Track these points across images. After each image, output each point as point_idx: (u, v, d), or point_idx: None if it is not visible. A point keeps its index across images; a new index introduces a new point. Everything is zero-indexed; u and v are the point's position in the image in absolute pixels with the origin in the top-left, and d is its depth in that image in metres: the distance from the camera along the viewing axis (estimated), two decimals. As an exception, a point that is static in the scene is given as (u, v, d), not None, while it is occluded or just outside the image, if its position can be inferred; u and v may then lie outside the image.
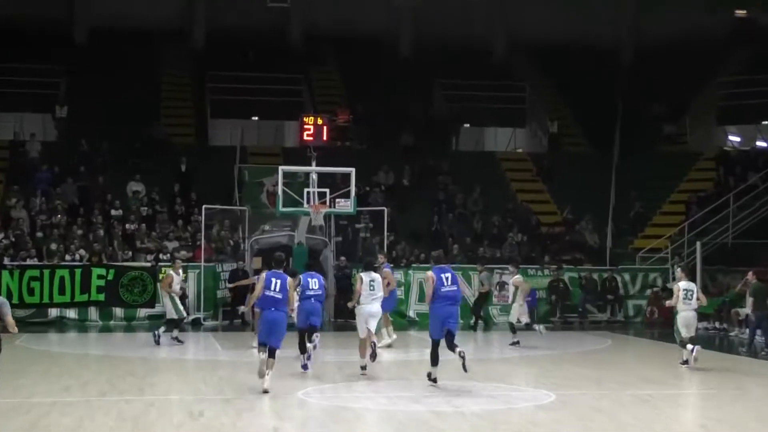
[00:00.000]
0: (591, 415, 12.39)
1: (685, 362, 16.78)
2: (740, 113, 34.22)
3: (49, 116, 33.08)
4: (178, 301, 20.93)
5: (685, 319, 17.00)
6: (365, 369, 15.47)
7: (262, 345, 13.82)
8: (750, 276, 20.21)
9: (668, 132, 35.17)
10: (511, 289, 21.65)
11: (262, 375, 13.65)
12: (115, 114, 32.09)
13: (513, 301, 21.22)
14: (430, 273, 14.60)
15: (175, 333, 20.52)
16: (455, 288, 14.41)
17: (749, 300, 20.05)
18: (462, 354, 13.93)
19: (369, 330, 15.54)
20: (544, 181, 33.65)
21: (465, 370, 14.06)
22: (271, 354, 13.67)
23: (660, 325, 26.28)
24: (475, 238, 29.83)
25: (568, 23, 38.75)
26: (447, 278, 14.38)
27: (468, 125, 36.70)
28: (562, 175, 33.32)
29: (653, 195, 32.47)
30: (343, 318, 26.48)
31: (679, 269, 18.54)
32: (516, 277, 21.42)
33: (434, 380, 14.47)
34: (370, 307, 15.56)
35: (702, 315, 25.36)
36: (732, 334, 23.40)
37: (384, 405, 12.95)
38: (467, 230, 30.39)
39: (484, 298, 25.67)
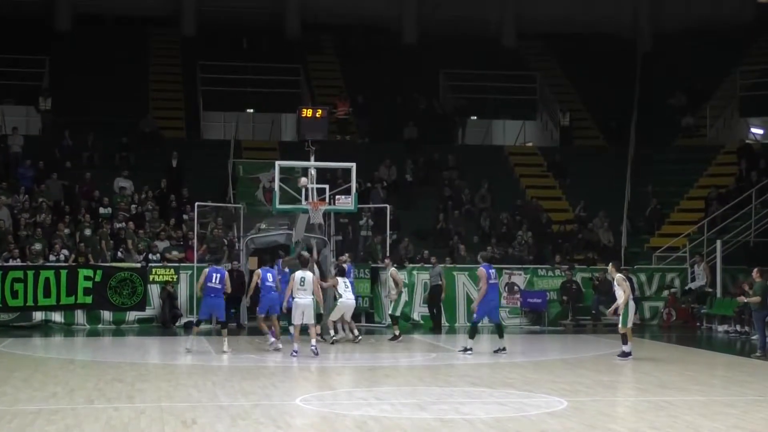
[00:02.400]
0: (605, 422, 12.44)
1: None
2: (764, 104, 34.21)
3: (32, 108, 33.13)
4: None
5: None
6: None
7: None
8: (755, 274, 20.26)
9: (687, 124, 35.19)
10: (390, 282, 23.07)
11: None
12: (101, 106, 32.19)
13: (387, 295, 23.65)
14: (482, 269, 19.36)
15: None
16: (497, 282, 20.27)
17: (754, 298, 20.12)
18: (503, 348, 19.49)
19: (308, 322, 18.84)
20: (556, 177, 33.71)
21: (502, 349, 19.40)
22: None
23: (677, 328, 26.36)
24: (482, 237, 29.87)
25: (582, 8, 38.85)
26: (492, 273, 19.59)
27: (475, 118, 36.75)
28: (574, 170, 33.37)
29: (671, 191, 32.50)
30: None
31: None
32: (391, 269, 23.22)
33: (470, 350, 19.32)
34: (301, 301, 18.78)
35: (722, 318, 25.53)
36: (754, 337, 23.43)
37: (387, 412, 13.00)
38: (474, 228, 30.44)
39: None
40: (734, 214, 29.56)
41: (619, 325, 18.97)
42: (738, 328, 24.50)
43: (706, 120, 34.97)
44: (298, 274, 19.02)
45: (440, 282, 25.76)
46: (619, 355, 18.76)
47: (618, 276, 19.07)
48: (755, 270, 20.33)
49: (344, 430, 11.76)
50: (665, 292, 27.55)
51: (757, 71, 34.92)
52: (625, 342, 18.78)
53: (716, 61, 35.56)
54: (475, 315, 19.87)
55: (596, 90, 36.58)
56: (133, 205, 28.71)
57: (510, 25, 40.22)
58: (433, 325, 25.77)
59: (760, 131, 36.54)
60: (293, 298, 18.95)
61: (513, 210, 31.28)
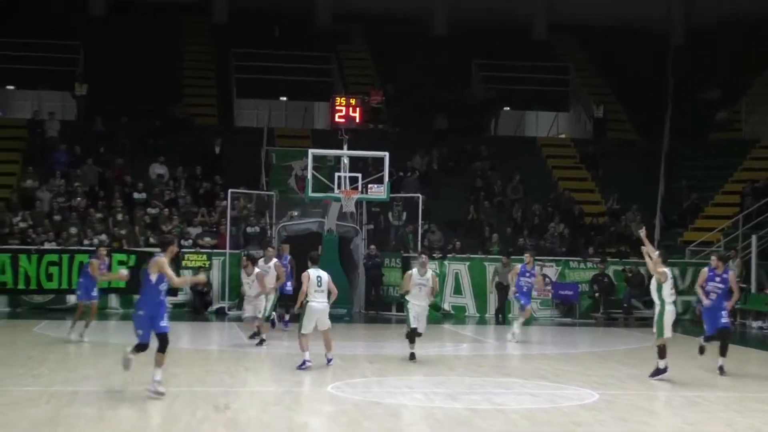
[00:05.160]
0: (638, 415, 12.37)
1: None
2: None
3: (68, 94, 33.35)
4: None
5: None
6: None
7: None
8: None
9: (722, 118, 34.91)
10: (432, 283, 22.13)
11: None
12: (135, 93, 32.33)
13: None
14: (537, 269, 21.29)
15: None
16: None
17: None
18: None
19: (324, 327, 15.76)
20: (588, 169, 33.53)
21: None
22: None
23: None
24: (514, 228, 29.77)
25: (614, 1, 38.53)
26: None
27: (508, 108, 36.61)
28: (607, 162, 33.18)
29: (705, 185, 32.26)
30: (374, 310, 26.62)
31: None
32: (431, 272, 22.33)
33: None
34: (319, 305, 15.58)
35: (756, 313, 25.32)
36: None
37: (419, 401, 13.00)
38: (506, 219, 30.34)
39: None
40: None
41: (655, 337, 15.45)
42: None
43: (741, 114, 34.66)
44: (313, 272, 15.68)
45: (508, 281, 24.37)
46: (652, 374, 15.37)
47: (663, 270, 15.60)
48: None
49: (376, 418, 11.75)
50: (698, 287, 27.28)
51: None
52: (661, 356, 15.25)
53: (751, 54, 35.21)
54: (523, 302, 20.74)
55: (630, 82, 36.34)
56: (167, 191, 28.84)
57: (541, 17, 40.06)
58: (496, 322, 25.45)
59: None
60: (308, 301, 15.64)
61: (545, 201, 31.16)
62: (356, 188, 23.13)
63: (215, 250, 26.27)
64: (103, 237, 26.14)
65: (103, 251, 19.89)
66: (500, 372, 14.49)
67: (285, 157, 29.22)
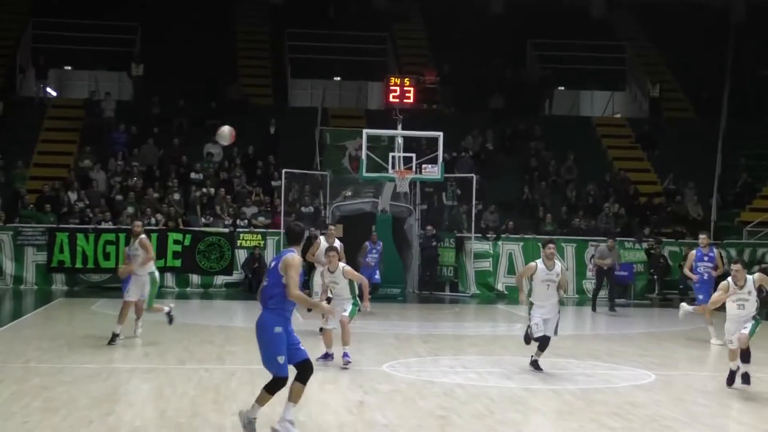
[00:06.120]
0: (694, 396, 12.29)
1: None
2: None
3: (124, 74, 33.69)
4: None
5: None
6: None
7: None
8: None
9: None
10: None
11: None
12: (191, 73, 32.56)
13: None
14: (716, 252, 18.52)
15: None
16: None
17: None
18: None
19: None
20: (644, 149, 33.20)
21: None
22: None
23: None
24: (569, 209, 29.59)
25: (672, -22, 38.02)
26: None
27: (562, 88, 36.32)
28: (663, 142, 32.82)
29: (763, 164, 31.78)
30: (428, 290, 26.66)
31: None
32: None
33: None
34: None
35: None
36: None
37: (474, 380, 13.02)
38: (560, 200, 30.17)
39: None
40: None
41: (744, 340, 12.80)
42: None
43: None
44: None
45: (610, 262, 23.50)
46: (743, 381, 12.75)
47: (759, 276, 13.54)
48: None
49: (431, 397, 11.80)
50: (755, 267, 26.98)
51: None
52: (745, 359, 12.76)
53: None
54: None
55: (687, 61, 35.85)
56: (222, 172, 29.06)
57: (600, -5, 39.62)
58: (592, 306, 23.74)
59: None
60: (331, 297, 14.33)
61: (600, 182, 30.91)
62: (410, 168, 23.12)
63: (270, 230, 26.44)
64: (160, 216, 26.41)
65: (138, 225, 16.47)
66: (554, 352, 14.43)
67: (339, 137, 29.29)
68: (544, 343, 13.61)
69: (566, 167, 31.35)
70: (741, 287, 12.83)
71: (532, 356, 13.82)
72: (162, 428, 9.85)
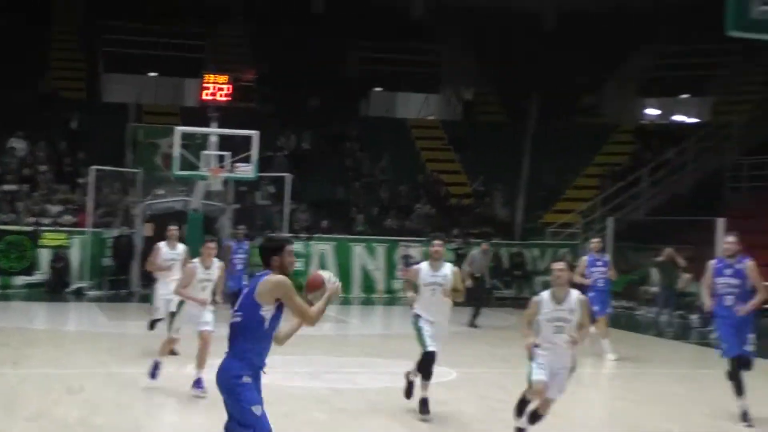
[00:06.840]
0: (496, 393, 12.58)
1: None
2: (665, 85, 34.89)
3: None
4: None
5: None
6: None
7: None
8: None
9: (587, 103, 35.64)
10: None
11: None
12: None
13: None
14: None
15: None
16: None
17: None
18: None
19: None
20: (456, 151, 33.86)
21: None
22: None
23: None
24: (381, 209, 29.89)
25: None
26: None
27: (379, 89, 36.68)
28: (475, 144, 33.54)
29: (568, 168, 32.89)
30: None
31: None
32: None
33: None
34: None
35: (615, 294, 26.03)
36: (639, 312, 24.12)
37: (279, 380, 12.93)
38: (374, 200, 30.45)
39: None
40: (627, 192, 30.11)
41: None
42: (624, 303, 24.98)
43: (605, 100, 35.50)
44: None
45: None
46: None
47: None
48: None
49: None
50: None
51: (658, 53, 35.57)
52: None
53: (619, 42, 35.69)
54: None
55: (500, 66, 36.68)
56: (25, 168, 27.92)
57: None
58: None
59: (656, 112, 37.34)
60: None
61: (413, 183, 31.38)
62: (223, 167, 22.84)
63: (76, 229, 25.59)
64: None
65: None
66: (363, 352, 14.54)
67: (152, 134, 28.67)
68: (431, 361, 11.23)
69: (380, 168, 31.69)
70: (560, 302, 9.45)
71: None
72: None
